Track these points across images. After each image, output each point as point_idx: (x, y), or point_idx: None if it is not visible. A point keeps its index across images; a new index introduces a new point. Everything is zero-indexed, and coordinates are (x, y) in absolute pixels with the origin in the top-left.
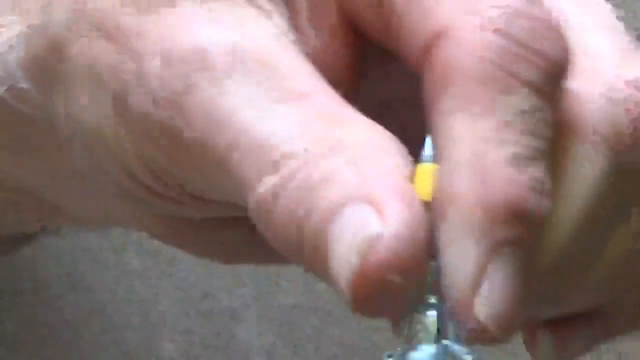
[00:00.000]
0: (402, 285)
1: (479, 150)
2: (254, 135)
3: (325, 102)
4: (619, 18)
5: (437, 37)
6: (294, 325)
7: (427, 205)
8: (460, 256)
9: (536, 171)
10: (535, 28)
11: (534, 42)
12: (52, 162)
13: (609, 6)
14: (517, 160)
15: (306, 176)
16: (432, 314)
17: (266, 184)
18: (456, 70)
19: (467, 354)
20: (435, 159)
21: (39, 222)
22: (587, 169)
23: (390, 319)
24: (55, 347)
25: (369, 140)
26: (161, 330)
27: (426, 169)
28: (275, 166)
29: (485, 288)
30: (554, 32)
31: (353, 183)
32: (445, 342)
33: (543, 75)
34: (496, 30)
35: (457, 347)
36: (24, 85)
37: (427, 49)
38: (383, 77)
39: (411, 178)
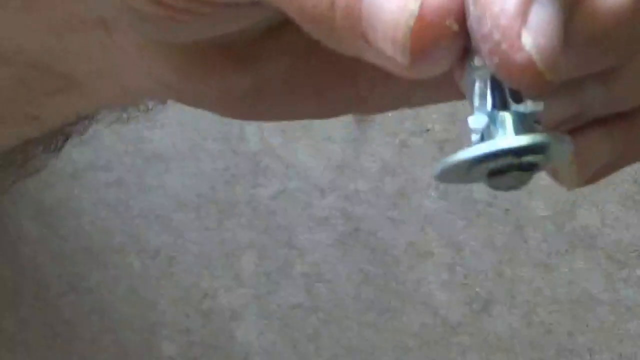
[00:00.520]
0: (458, 32)
1: None
2: None
3: None
4: None
5: None
6: (294, 325)
7: None
8: None
9: None
10: None
11: None
12: (51, 12)
13: None
14: None
15: None
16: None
17: None
18: None
19: (535, 106)
20: None
21: (51, 110)
22: None
23: (446, 67)
24: (55, 347)
25: None
26: (161, 330)
27: None
28: None
29: (532, 18)
30: None
31: None
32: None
33: None
34: None
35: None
36: None
37: None
38: None
39: None
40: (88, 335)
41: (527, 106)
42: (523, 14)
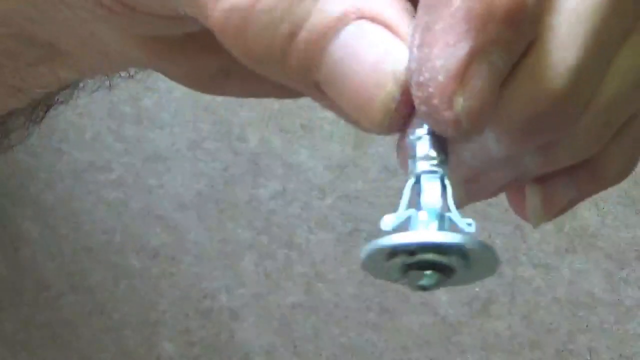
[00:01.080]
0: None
1: None
2: None
3: None
4: None
5: None
6: (294, 325)
7: None
8: (449, 49)
9: None
10: None
11: None
12: None
13: None
14: None
15: None
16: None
17: None
18: None
19: (468, 224)
20: None
21: (34, 81)
22: None
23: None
24: (55, 347)
25: None
26: (161, 330)
27: None
28: None
29: (468, 82)
30: None
31: None
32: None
33: None
34: None
35: (457, 216)
36: None
37: None
38: None
39: None
40: (88, 335)
41: (462, 222)
42: (460, 75)
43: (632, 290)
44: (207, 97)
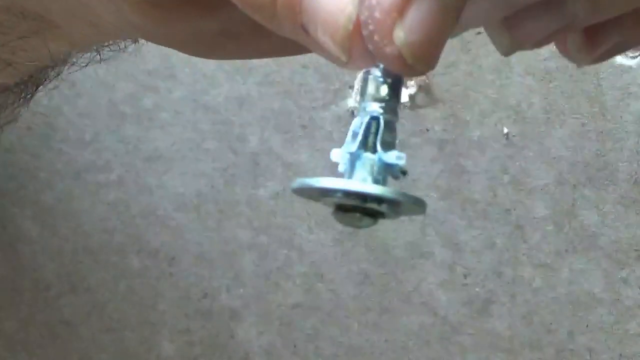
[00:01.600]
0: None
1: None
2: None
3: None
4: None
5: None
6: (294, 325)
7: None
8: None
9: None
10: None
11: None
12: None
13: None
14: None
15: None
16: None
17: None
18: None
19: (398, 157)
20: None
21: (25, 54)
22: None
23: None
24: (55, 347)
25: None
26: (161, 330)
27: None
28: None
29: (408, 15)
30: None
31: None
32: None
33: None
34: None
35: (390, 155)
36: None
37: None
38: None
39: None
40: (88, 335)
41: (392, 157)
42: (398, 10)
43: (632, 290)
44: (207, 97)
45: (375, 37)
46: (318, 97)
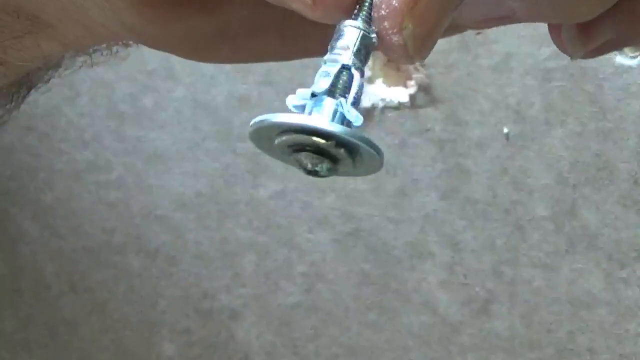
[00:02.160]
0: None
1: None
2: None
3: None
4: None
5: None
6: (294, 325)
7: None
8: None
9: None
10: None
11: None
12: None
13: None
14: None
15: None
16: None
17: None
18: None
19: (357, 117)
20: None
21: (19, 54)
22: None
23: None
24: (55, 347)
25: None
26: (161, 330)
27: None
28: None
29: (419, 7)
30: None
31: None
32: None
33: None
34: None
35: (349, 108)
36: None
37: None
38: None
39: None
40: (88, 335)
41: (353, 114)
42: (414, 2)
43: (632, 290)
44: (207, 97)
45: (385, 23)
46: None
